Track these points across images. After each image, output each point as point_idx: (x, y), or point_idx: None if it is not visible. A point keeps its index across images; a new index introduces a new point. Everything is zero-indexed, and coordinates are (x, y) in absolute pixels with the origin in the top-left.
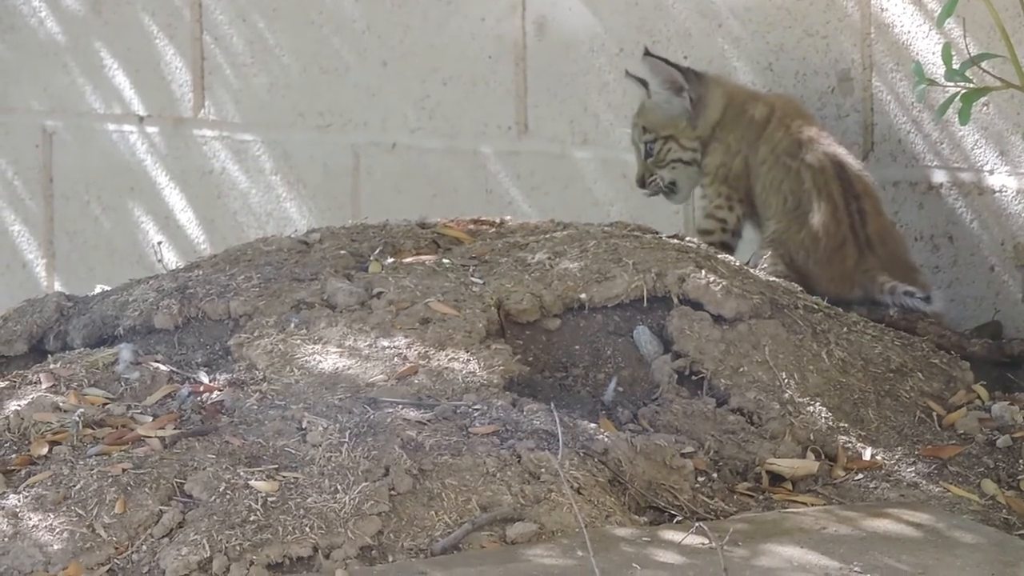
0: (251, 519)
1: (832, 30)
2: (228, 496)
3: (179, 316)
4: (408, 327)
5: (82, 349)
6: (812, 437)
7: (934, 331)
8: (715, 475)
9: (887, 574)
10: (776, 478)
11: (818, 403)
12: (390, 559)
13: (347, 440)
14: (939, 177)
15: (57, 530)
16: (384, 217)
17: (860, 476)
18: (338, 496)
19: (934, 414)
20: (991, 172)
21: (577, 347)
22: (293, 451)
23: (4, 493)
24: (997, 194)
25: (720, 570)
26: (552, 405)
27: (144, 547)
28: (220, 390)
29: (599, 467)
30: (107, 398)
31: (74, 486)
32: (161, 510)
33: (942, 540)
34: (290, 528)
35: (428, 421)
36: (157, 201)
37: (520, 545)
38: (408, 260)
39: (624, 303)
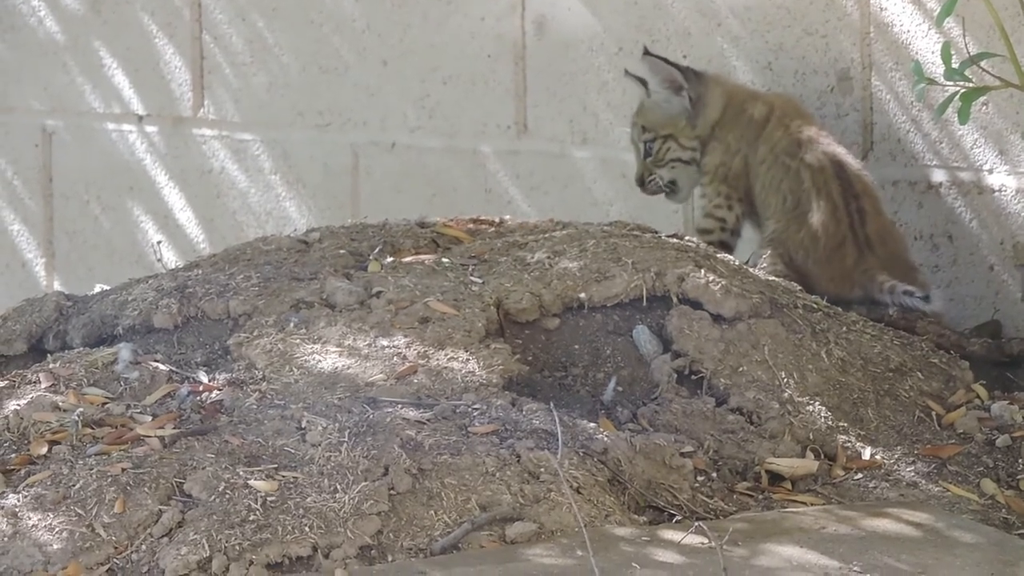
0: (250, 519)
1: (831, 29)
2: (227, 496)
3: (178, 315)
4: (407, 326)
5: (81, 349)
6: (811, 436)
7: (933, 330)
8: (714, 474)
9: (887, 574)
10: (775, 477)
11: (817, 402)
12: (389, 559)
13: (346, 440)
14: (938, 176)
15: (56, 530)
16: (383, 216)
17: (859, 475)
18: (337, 496)
19: (933, 413)
20: (990, 171)
21: (576, 346)
22: (292, 451)
23: (4, 493)
24: (996, 193)
25: (719, 570)
26: (551, 404)
27: (143, 547)
28: (219, 389)
29: (598, 467)
30: (106, 398)
31: (73, 486)
32: (160, 510)
33: (941, 539)
34: (289, 528)
35: (427, 420)
36: (156, 200)
37: (519, 545)
38: (407, 259)
39: (623, 302)
